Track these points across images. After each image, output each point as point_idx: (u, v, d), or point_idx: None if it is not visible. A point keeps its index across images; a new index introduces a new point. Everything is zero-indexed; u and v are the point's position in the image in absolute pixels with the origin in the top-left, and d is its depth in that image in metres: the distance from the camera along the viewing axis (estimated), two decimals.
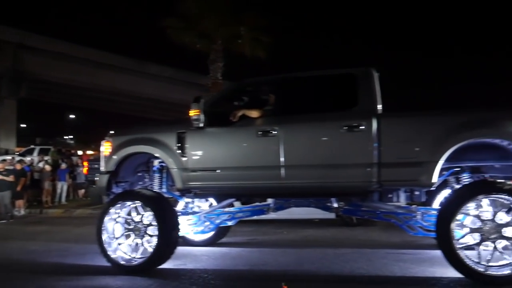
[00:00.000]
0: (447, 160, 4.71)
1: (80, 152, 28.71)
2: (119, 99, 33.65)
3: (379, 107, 5.05)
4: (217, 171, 5.41)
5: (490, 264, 4.44)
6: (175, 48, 17.80)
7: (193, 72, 30.54)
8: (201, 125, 5.31)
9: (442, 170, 4.83)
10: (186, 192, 5.71)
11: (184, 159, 5.49)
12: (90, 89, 30.60)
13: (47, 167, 16.37)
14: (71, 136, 47.36)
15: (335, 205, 5.59)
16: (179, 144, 5.50)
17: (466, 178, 5.00)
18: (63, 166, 16.43)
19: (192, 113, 5.24)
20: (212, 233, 7.00)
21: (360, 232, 8.30)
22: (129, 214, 5.60)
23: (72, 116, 49.26)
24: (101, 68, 29.07)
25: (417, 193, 5.09)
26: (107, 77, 29.40)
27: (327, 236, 8.37)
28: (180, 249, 6.94)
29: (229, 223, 6.31)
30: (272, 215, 7.08)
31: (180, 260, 6.17)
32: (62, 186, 15.91)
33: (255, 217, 9.59)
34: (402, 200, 5.18)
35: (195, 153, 5.48)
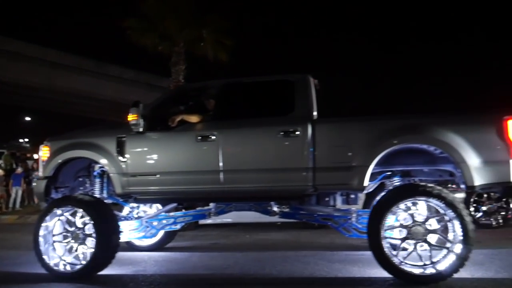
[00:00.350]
0: (379, 165, 4.90)
1: (36, 156, 27.68)
2: (78, 101, 32.67)
3: (315, 113, 5.19)
4: (156, 176, 5.41)
5: (426, 262, 4.60)
6: (136, 49, 17.52)
7: (154, 75, 30.09)
8: (141, 129, 5.31)
9: (375, 174, 5.04)
10: (126, 197, 5.67)
11: (123, 164, 5.46)
12: (46, 90, 29.52)
13: (0, 172, 15.72)
14: (27, 139, 45.64)
15: (275, 208, 5.67)
16: (119, 149, 5.47)
17: (396, 182, 5.20)
18: (19, 170, 15.83)
19: (130, 117, 5.22)
20: (158, 238, 6.99)
21: (321, 235, 8.42)
22: (64, 226, 5.48)
23: (27, 118, 47.48)
24: (58, 68, 28.16)
25: (352, 196, 5.30)
26: (65, 78, 28.50)
27: (289, 239, 8.44)
28: (140, 254, 6.86)
29: (173, 228, 6.27)
30: (228, 219, 7.10)
31: (140, 265, 6.08)
32: (17, 191, 15.32)
33: (217, 221, 9.57)
34: (339, 203, 5.36)
35: (135, 158, 5.46)
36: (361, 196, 5.64)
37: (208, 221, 9.57)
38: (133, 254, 6.89)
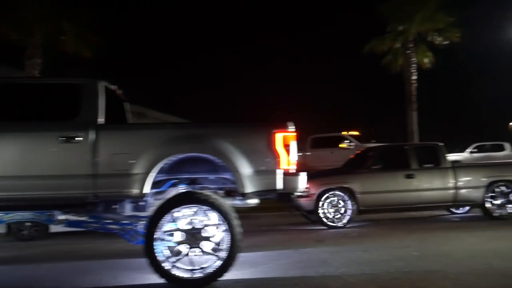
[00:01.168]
0: (165, 172, 5.03)
1: None
2: None
3: (101, 119, 5.11)
4: None
5: (190, 268, 4.76)
6: None
7: (7, 66, 27.14)
8: None
9: (164, 181, 5.17)
10: None
11: None
12: None
13: None
14: None
15: (60, 217, 5.41)
16: None
17: (182, 189, 5.31)
18: None
19: None
20: None
21: None
22: None
23: None
24: None
25: (142, 203, 5.22)
26: None
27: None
28: None
29: None
30: None
31: None
32: None
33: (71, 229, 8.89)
34: (128, 210, 5.28)
35: None
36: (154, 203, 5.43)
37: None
38: None
